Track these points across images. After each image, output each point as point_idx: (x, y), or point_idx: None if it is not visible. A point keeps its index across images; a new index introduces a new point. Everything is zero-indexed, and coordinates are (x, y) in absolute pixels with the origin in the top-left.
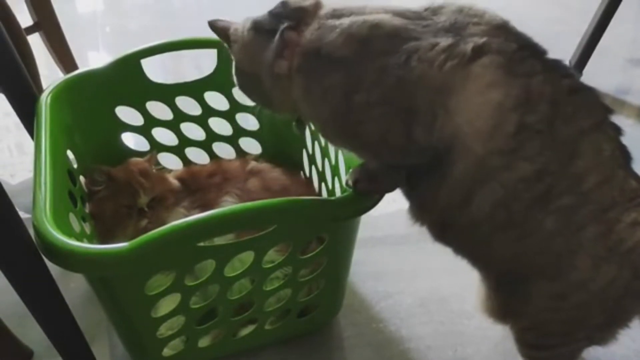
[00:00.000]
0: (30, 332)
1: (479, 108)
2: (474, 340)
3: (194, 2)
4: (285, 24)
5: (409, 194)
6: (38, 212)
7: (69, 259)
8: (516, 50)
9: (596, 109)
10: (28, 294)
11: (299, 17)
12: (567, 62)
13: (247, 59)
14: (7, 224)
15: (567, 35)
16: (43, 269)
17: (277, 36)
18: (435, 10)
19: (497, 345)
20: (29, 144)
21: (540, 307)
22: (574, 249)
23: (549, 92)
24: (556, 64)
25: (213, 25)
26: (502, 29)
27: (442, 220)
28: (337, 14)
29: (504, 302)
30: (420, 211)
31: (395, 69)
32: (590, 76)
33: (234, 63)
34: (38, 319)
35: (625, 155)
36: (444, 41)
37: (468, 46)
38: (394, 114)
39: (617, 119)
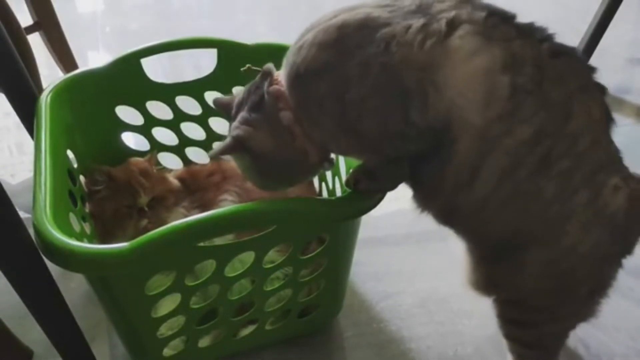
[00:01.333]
0: (30, 332)
1: (468, 78)
2: (474, 340)
3: (194, 3)
4: (266, 84)
5: (413, 185)
6: (38, 212)
7: (69, 259)
8: (486, 17)
9: (580, 70)
10: (28, 294)
11: (270, 75)
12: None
13: (267, 136)
14: (7, 224)
15: (567, 35)
16: (43, 269)
17: (265, 96)
18: None
19: (497, 346)
20: (29, 143)
21: (530, 275)
22: (568, 215)
23: (530, 55)
24: (530, 27)
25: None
26: (467, 1)
27: (449, 205)
28: (298, 40)
29: (491, 272)
30: (426, 199)
31: (377, 57)
32: None
33: (253, 168)
34: (38, 319)
35: (608, 118)
36: (416, 22)
37: (441, 22)
38: (388, 102)
39: (616, 119)
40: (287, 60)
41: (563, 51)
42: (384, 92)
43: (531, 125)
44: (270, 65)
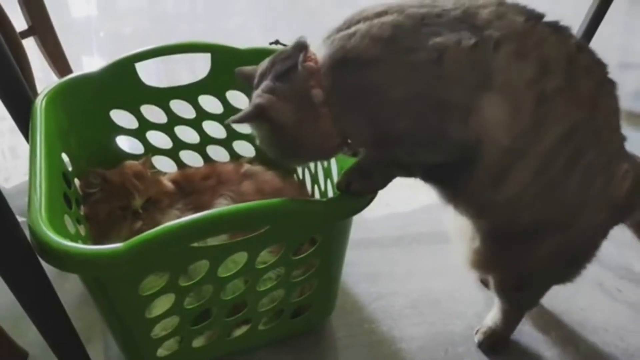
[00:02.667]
0: (25, 333)
1: (500, 99)
2: (465, 340)
3: (188, 7)
4: (300, 56)
5: (438, 186)
6: (33, 213)
7: (64, 260)
8: (523, 22)
9: (599, 65)
10: (24, 295)
11: (305, 49)
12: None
13: (290, 108)
14: (3, 226)
15: None
16: (39, 270)
17: (299, 68)
18: None
19: None
20: (23, 147)
21: (541, 256)
22: (586, 200)
23: (564, 51)
24: (556, 24)
25: (263, 112)
26: (504, 4)
27: (479, 201)
28: (344, 27)
29: (500, 254)
30: (452, 196)
31: (429, 66)
32: None
33: (271, 139)
34: (34, 320)
35: (618, 108)
36: (466, 39)
37: (490, 45)
38: (429, 109)
39: None
40: (333, 43)
41: (586, 47)
42: (428, 100)
43: (564, 123)
44: (305, 39)
